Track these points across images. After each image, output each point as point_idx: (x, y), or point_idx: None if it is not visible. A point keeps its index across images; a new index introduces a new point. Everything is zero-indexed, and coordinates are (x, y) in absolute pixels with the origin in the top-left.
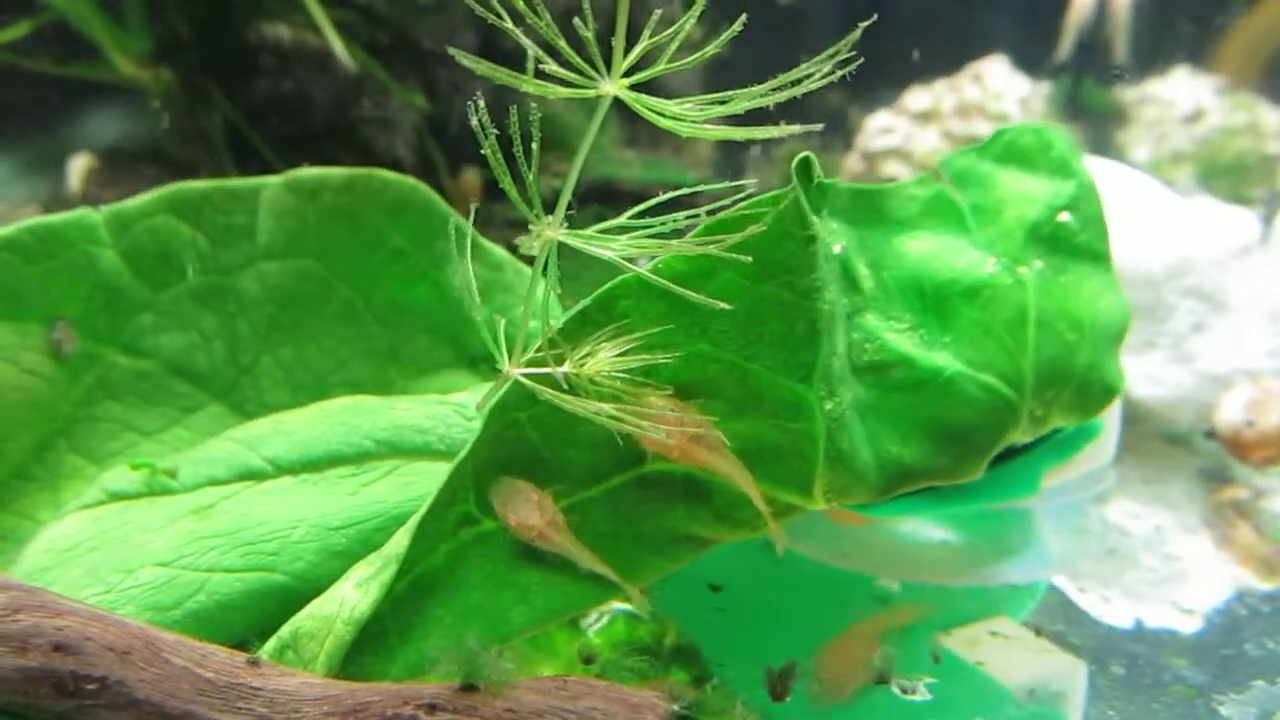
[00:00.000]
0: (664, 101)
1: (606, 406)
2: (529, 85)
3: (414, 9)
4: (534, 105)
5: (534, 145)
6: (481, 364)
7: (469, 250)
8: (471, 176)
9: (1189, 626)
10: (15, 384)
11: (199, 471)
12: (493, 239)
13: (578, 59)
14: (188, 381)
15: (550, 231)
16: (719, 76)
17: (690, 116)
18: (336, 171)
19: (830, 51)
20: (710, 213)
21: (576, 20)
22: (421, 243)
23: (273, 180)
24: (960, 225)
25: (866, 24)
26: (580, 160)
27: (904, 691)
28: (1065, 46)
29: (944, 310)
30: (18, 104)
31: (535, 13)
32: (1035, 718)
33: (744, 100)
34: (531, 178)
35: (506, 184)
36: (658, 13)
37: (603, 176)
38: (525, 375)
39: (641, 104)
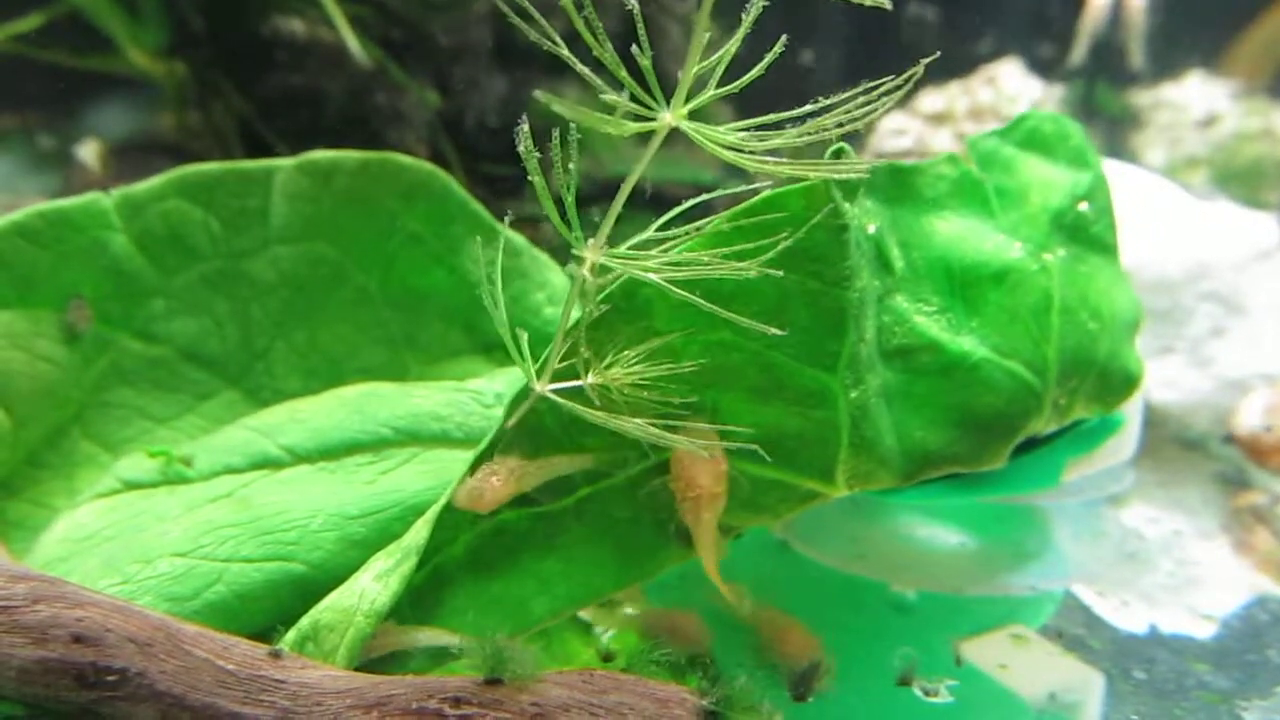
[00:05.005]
0: (719, 130)
1: (638, 421)
2: (595, 120)
3: (428, 5)
4: (573, 152)
5: (573, 171)
6: (497, 350)
7: (484, 237)
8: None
9: (1208, 632)
10: (27, 371)
11: (215, 460)
12: None
13: (639, 90)
14: (201, 367)
15: (593, 255)
16: (733, 70)
17: (748, 147)
18: (351, 155)
19: (886, 86)
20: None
21: (635, 49)
22: (437, 228)
23: (286, 163)
24: (985, 208)
25: (928, 60)
26: (630, 186)
27: (926, 694)
28: (1080, 50)
29: (971, 294)
30: (27, 96)
31: (598, 41)
32: None
33: (795, 136)
34: (570, 200)
35: (553, 216)
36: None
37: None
38: (554, 391)
39: (701, 134)
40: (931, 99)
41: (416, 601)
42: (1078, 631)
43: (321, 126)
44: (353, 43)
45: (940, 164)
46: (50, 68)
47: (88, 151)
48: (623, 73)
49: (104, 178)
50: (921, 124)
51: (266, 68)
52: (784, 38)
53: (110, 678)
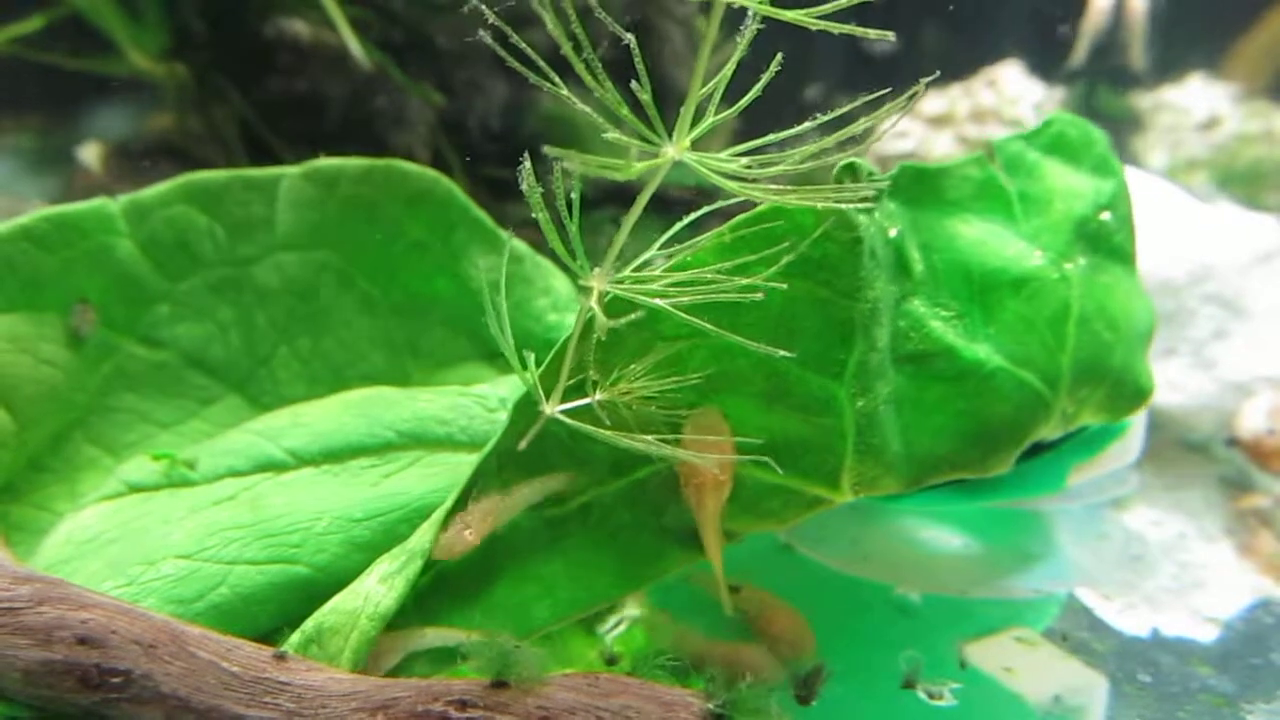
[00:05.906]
0: (722, 158)
1: (648, 438)
2: (600, 167)
3: (430, 7)
4: (575, 173)
5: (575, 201)
6: (500, 357)
7: (488, 246)
8: None
9: (1212, 635)
10: (32, 375)
11: (219, 463)
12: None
13: (641, 125)
14: (204, 373)
15: (599, 283)
16: (734, 76)
17: (751, 174)
18: (355, 162)
19: (893, 106)
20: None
21: (635, 84)
22: (440, 234)
23: (291, 170)
24: (1008, 213)
25: (929, 79)
26: (633, 218)
27: (930, 697)
28: (1081, 52)
29: (989, 300)
30: (28, 98)
31: (599, 82)
32: None
33: (798, 160)
34: (575, 229)
35: (556, 245)
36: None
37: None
38: (563, 412)
39: (704, 165)
40: (933, 101)
41: (420, 604)
42: (1082, 634)
43: (323, 129)
44: (354, 45)
45: (967, 165)
46: (51, 69)
47: (89, 153)
48: (624, 110)
49: (105, 180)
50: (923, 127)
51: (268, 70)
52: (779, 56)
53: (115, 680)
